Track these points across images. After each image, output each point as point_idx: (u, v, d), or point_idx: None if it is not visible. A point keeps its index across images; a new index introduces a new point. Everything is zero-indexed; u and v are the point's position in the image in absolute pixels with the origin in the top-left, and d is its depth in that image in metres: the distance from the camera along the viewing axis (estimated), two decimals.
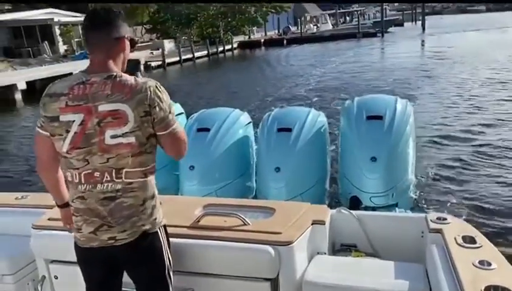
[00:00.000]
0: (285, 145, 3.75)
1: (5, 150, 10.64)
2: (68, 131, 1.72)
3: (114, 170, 1.73)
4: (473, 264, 1.80)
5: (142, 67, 24.27)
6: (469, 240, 2.03)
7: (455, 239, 2.06)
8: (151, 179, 1.82)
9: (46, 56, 27.38)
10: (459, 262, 1.84)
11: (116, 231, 1.78)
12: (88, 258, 1.89)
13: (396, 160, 3.60)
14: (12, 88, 18.45)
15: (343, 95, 11.98)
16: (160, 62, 26.58)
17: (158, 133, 1.77)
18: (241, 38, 40.10)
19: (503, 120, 8.66)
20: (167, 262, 1.94)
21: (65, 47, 29.49)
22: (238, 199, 2.82)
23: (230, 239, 2.15)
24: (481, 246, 1.98)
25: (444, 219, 2.31)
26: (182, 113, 4.62)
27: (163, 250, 1.91)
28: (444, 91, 12.62)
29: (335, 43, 33.90)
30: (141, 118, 1.71)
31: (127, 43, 1.81)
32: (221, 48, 33.52)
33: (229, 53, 34.18)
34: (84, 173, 1.74)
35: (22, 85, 18.65)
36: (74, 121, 1.71)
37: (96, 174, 1.73)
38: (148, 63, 25.96)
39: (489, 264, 1.77)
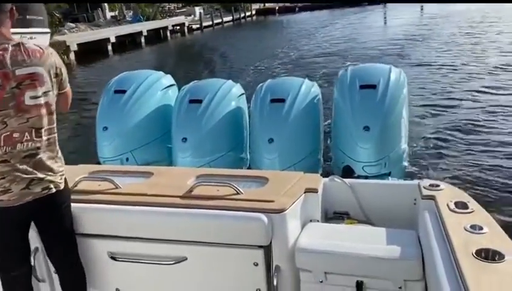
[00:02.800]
0: (278, 116, 3.72)
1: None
2: None
3: (34, 130, 1.91)
4: (465, 228, 1.81)
5: (186, 29, 32.09)
6: (462, 205, 2.05)
7: (447, 205, 2.07)
8: (57, 135, 2.07)
9: (101, 20, 30.71)
10: (451, 227, 1.85)
11: (45, 183, 1.99)
12: (8, 218, 1.99)
13: (389, 129, 3.59)
14: (105, 41, 23.05)
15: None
16: (198, 25, 33.67)
17: (60, 92, 2.06)
18: (257, 6, 46.54)
19: (497, 87, 8.61)
20: (71, 218, 2.19)
21: (112, 13, 34.52)
22: (231, 169, 2.81)
23: (223, 207, 2.16)
24: (473, 211, 1.99)
25: (437, 185, 2.32)
26: (173, 85, 4.56)
27: (70, 205, 2.17)
28: (439, 57, 12.54)
29: (342, 9, 37.23)
30: (53, 79, 1.98)
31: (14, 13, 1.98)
32: (242, 15, 41.04)
33: (248, 19, 41.70)
34: (3, 135, 1.85)
35: (113, 39, 23.58)
36: None
37: (15, 135, 1.87)
38: (190, 26, 33.07)
39: (481, 228, 1.79)
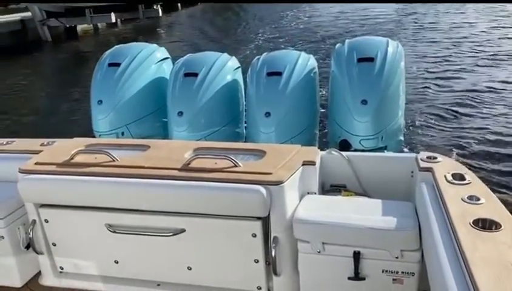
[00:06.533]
0: (275, 89, 3.68)
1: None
2: None
3: None
4: (462, 199, 1.83)
5: None
6: (459, 177, 2.06)
7: (445, 176, 2.09)
8: None
9: None
10: (448, 198, 1.87)
11: None
12: None
13: (386, 103, 3.57)
14: None
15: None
16: None
17: None
18: None
19: (496, 60, 8.50)
20: None
21: None
22: (229, 142, 2.79)
23: (221, 180, 2.16)
24: (470, 182, 2.01)
25: (435, 157, 2.33)
26: (168, 58, 4.48)
27: None
28: (436, 30, 12.39)
29: None
30: None
31: None
32: None
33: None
34: None
35: None
36: None
37: None
38: None
39: (478, 199, 1.81)
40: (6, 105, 9.30)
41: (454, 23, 13.60)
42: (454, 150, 4.66)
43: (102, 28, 19.70)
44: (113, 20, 18.75)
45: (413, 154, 2.49)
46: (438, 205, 1.92)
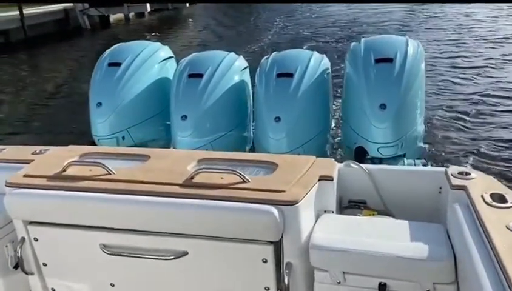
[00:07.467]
0: (285, 92, 3.44)
1: None
2: None
3: None
4: (507, 227, 1.58)
5: None
6: (499, 198, 1.81)
7: (482, 197, 1.84)
8: None
9: None
10: (490, 225, 1.62)
11: None
12: None
13: (407, 107, 3.31)
14: None
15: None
16: None
17: None
18: None
19: None
20: None
21: None
22: (236, 152, 2.56)
23: (228, 198, 1.93)
24: None
25: (468, 173, 2.07)
26: (172, 57, 4.26)
27: None
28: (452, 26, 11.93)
29: None
30: None
31: None
32: None
33: None
34: None
35: None
36: None
37: None
38: None
39: None
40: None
41: (479, 20, 13.11)
42: (479, 159, 4.30)
43: (132, 18, 21.40)
44: (149, 10, 20.28)
45: (441, 169, 2.24)
46: (477, 232, 1.69)
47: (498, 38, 9.90)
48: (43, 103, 9.08)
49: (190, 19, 21.26)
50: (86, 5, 18.43)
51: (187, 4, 23.07)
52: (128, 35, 17.12)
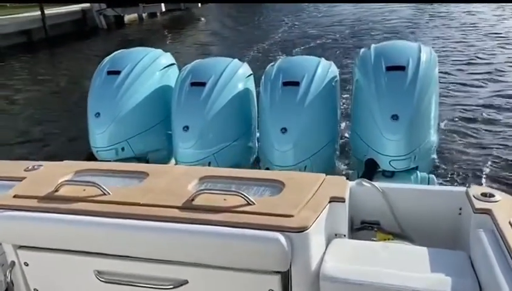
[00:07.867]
0: (292, 101, 3.27)
1: None
2: None
3: None
4: None
5: None
6: None
7: (510, 223, 1.67)
8: None
9: None
10: None
11: None
12: None
13: (420, 118, 3.13)
14: None
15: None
16: None
17: None
18: None
19: None
20: None
21: None
22: (240, 169, 2.40)
23: (232, 223, 1.77)
24: None
25: (492, 195, 1.90)
26: (173, 64, 4.10)
27: None
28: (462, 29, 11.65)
29: None
30: None
31: None
32: None
33: None
34: None
35: None
36: None
37: None
38: None
39: None
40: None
41: (485, 19, 12.85)
42: (501, 175, 4.03)
43: (145, 18, 22.00)
44: (163, 10, 20.74)
45: (461, 188, 2.07)
46: (505, 262, 1.52)
47: None
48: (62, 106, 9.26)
49: (203, 18, 21.76)
50: (103, 5, 19.09)
51: (199, 4, 23.67)
52: (143, 35, 18.16)
